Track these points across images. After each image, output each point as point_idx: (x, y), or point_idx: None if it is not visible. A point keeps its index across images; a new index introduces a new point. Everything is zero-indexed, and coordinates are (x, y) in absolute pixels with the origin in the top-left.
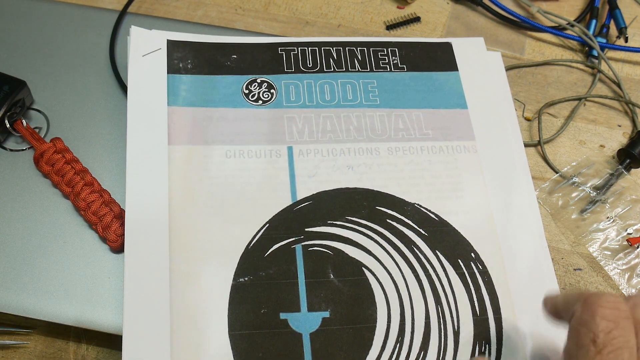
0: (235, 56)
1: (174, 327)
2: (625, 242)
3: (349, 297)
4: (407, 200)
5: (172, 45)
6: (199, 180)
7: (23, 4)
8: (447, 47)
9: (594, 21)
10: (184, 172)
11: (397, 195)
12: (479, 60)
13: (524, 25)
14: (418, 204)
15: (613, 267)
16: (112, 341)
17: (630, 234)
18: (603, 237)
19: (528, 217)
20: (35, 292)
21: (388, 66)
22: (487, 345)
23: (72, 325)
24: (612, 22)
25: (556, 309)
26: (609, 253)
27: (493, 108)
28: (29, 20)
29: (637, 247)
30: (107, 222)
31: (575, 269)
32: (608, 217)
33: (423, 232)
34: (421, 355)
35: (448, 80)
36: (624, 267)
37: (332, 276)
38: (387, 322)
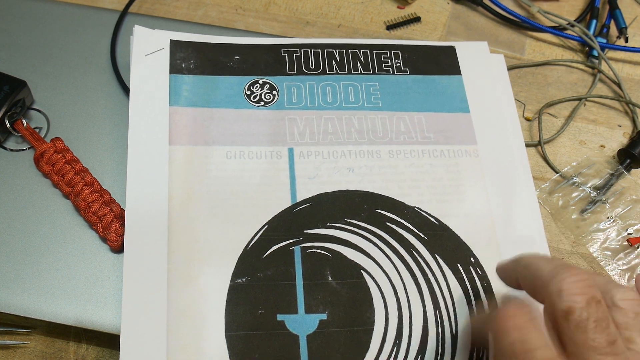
0: (237, 57)
1: (170, 327)
2: (626, 242)
3: (346, 300)
4: (407, 203)
5: (175, 45)
6: (199, 181)
7: (23, 4)
8: (451, 50)
9: (594, 21)
10: (185, 172)
11: (397, 199)
12: (483, 64)
13: (524, 25)
14: (418, 208)
15: (613, 267)
16: (112, 341)
17: (631, 234)
18: (603, 237)
19: (528, 220)
20: (35, 292)
21: (391, 69)
22: (485, 350)
23: (72, 325)
24: (612, 22)
25: (480, 334)
26: (609, 253)
27: (496, 113)
28: (29, 20)
29: (638, 247)
30: (108, 222)
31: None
32: (608, 217)
33: (422, 236)
34: (418, 359)
35: (451, 84)
36: (625, 267)
37: (330, 278)
38: (385, 325)
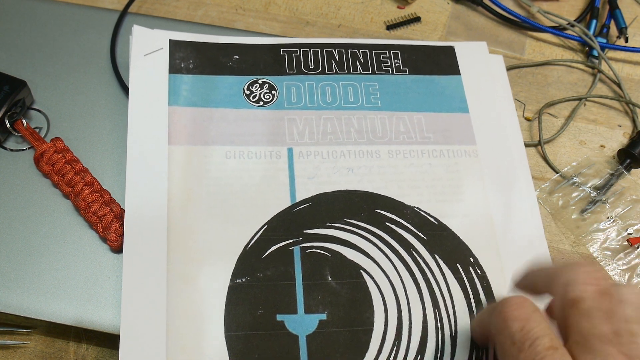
0: (237, 57)
1: (170, 327)
2: (626, 242)
3: (346, 300)
4: (406, 203)
5: (174, 44)
6: (198, 181)
7: (23, 4)
8: (450, 51)
9: (594, 21)
10: (184, 172)
11: (396, 199)
12: (482, 64)
13: (524, 25)
14: (418, 208)
15: (613, 267)
16: (112, 341)
17: (631, 234)
18: (603, 237)
19: (528, 219)
20: (35, 292)
21: (390, 69)
22: (484, 351)
23: (72, 325)
24: (612, 22)
25: (479, 329)
26: (610, 253)
27: (495, 113)
28: (29, 20)
29: (638, 247)
30: (108, 222)
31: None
32: (608, 217)
33: (422, 236)
34: (418, 359)
35: (450, 84)
36: (625, 267)
37: (329, 278)
38: (385, 325)
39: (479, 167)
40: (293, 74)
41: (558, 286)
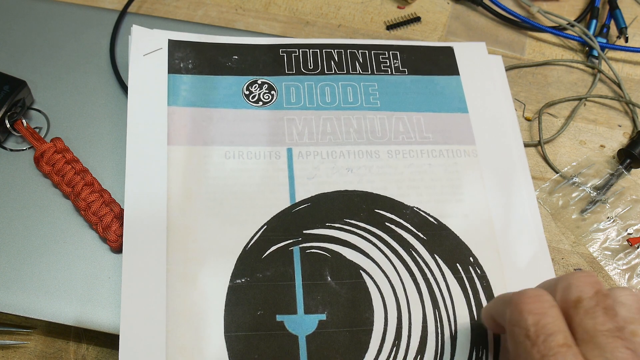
0: (236, 57)
1: (169, 328)
2: (626, 242)
3: (346, 300)
4: (406, 203)
5: (173, 44)
6: (197, 181)
7: (23, 4)
8: (449, 51)
9: (594, 21)
10: (183, 172)
11: (396, 199)
12: (481, 64)
13: (524, 25)
14: (417, 207)
15: (613, 267)
16: (112, 341)
17: (631, 234)
18: (603, 237)
19: (528, 219)
20: (35, 292)
21: (389, 69)
22: (484, 350)
23: (72, 325)
24: (612, 22)
25: (491, 316)
26: (610, 253)
27: (494, 113)
28: (29, 20)
29: (638, 247)
30: (108, 222)
31: (575, 269)
32: (608, 217)
33: (422, 236)
34: (417, 359)
35: (449, 84)
36: (625, 267)
37: (329, 279)
38: (384, 325)
39: (478, 167)
40: (292, 74)
41: (559, 291)
